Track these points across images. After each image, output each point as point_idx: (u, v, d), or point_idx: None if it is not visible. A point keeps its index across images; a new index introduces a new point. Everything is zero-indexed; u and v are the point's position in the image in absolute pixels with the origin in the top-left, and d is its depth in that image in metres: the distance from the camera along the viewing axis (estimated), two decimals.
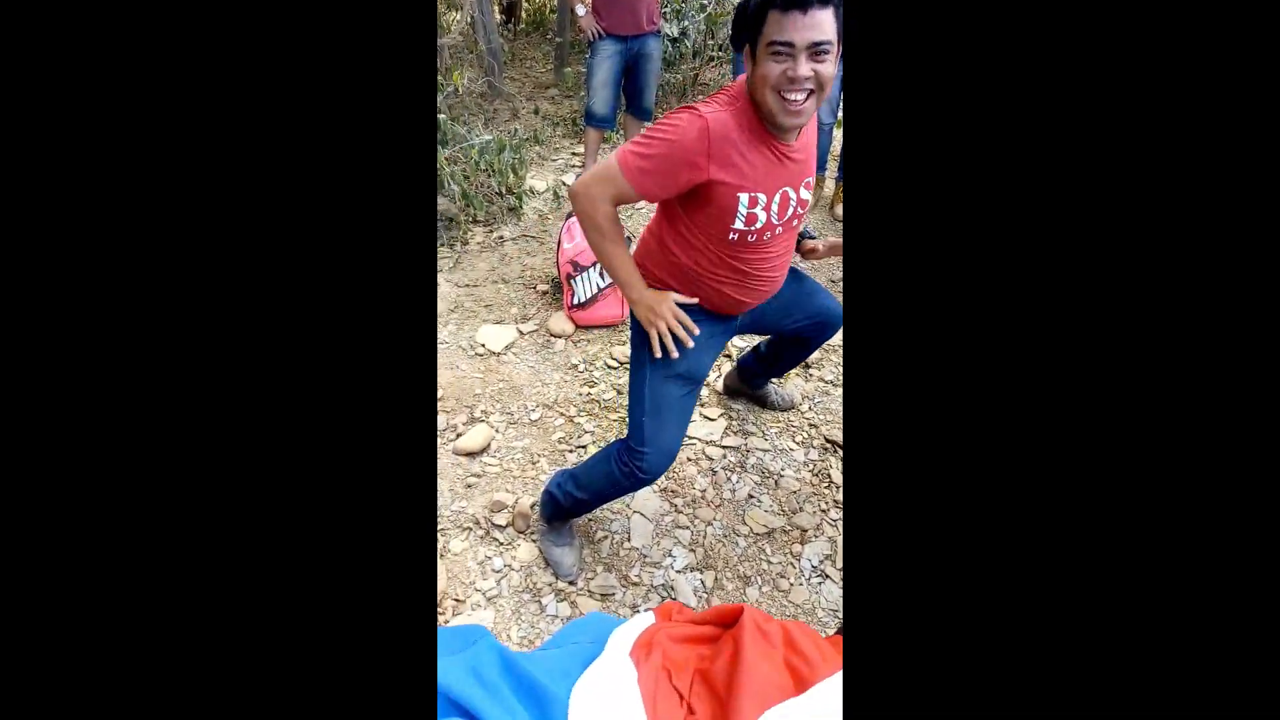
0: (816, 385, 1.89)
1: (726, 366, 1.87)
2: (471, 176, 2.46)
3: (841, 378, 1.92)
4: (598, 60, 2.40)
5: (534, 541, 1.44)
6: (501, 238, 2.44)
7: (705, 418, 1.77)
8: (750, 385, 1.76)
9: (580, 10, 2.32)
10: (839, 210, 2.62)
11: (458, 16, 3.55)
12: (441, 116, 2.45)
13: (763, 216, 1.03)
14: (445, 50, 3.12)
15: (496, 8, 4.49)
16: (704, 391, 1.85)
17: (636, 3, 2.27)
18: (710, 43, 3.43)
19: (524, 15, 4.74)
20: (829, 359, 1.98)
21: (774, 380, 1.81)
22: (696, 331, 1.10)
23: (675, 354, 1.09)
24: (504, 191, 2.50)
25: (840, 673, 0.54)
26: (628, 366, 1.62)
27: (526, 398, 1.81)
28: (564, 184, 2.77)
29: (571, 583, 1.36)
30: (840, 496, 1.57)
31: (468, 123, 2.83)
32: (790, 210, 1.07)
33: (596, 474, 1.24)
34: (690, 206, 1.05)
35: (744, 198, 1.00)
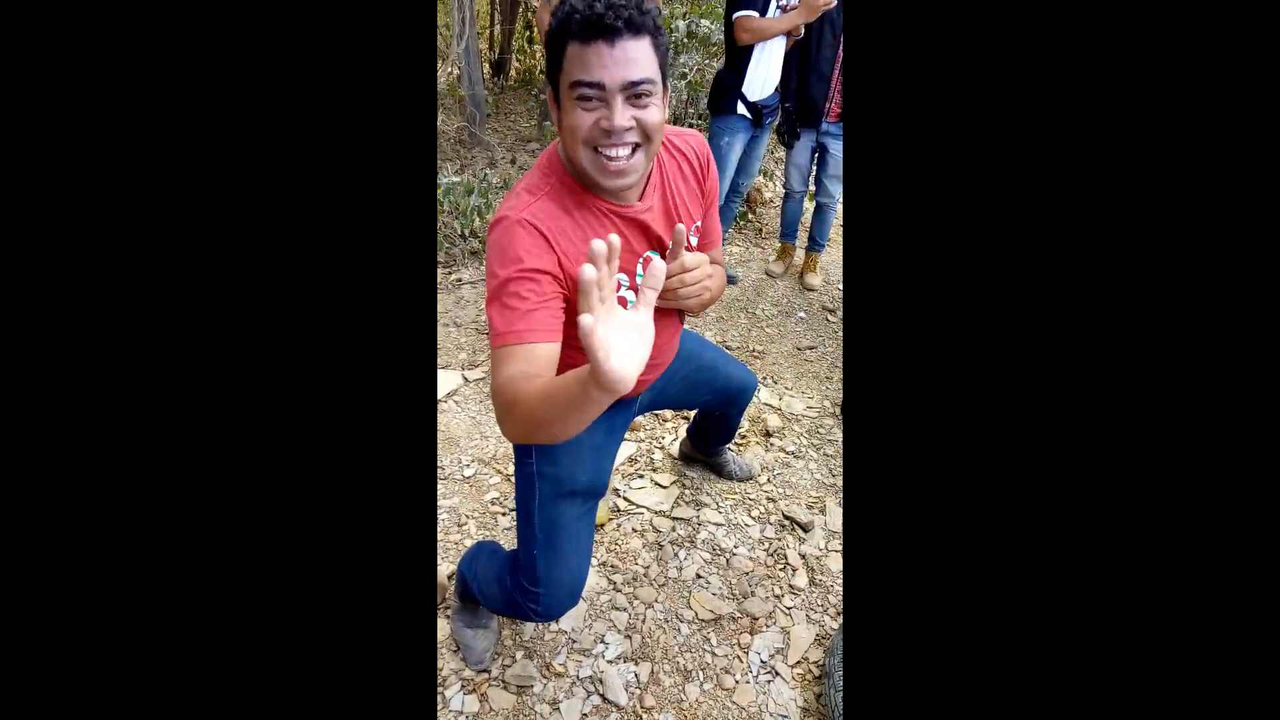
0: (777, 456, 1.78)
1: (683, 428, 1.76)
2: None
3: (802, 449, 1.81)
4: None
5: (447, 617, 1.25)
6: (459, 280, 2.34)
7: (656, 484, 1.63)
8: (704, 452, 1.64)
9: None
10: (809, 279, 2.60)
11: (443, 66, 3.59)
12: None
13: (631, 297, 0.85)
14: None
15: (486, 64, 4.59)
16: (658, 455, 1.72)
17: None
18: (690, 110, 3.51)
19: (513, 72, 4.86)
20: (791, 429, 1.88)
21: (731, 447, 1.69)
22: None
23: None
24: (466, 234, 2.42)
25: None
26: None
27: (462, 450, 1.66)
28: None
29: (483, 671, 1.17)
30: (795, 581, 1.43)
31: (439, 166, 2.79)
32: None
33: (491, 591, 1.03)
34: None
35: None
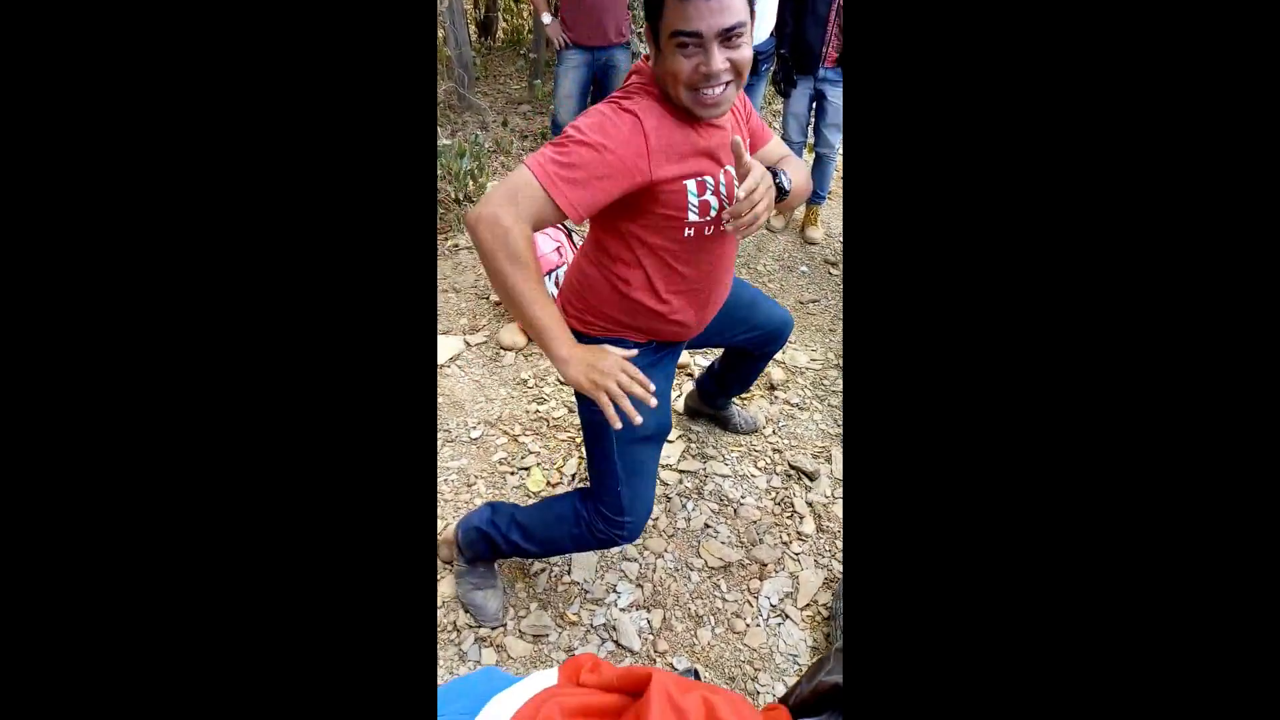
0: (782, 409, 1.78)
1: (687, 386, 1.75)
2: None
3: (806, 401, 1.81)
4: (564, 70, 2.33)
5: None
6: (456, 245, 2.31)
7: None
8: (713, 405, 1.64)
9: (546, 19, 2.26)
10: (810, 233, 2.57)
11: None
12: None
13: (714, 203, 0.90)
14: None
15: (473, 25, 4.45)
16: None
17: (604, 14, 2.21)
18: None
19: (501, 32, 4.72)
20: (795, 381, 1.87)
21: (736, 401, 1.69)
22: (652, 387, 0.81)
23: (638, 419, 0.79)
24: (461, 199, 2.38)
25: None
26: None
27: (468, 414, 1.66)
28: None
29: (495, 628, 1.19)
30: (803, 528, 1.45)
31: None
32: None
33: (556, 534, 1.08)
34: (632, 215, 0.88)
35: (691, 185, 0.87)
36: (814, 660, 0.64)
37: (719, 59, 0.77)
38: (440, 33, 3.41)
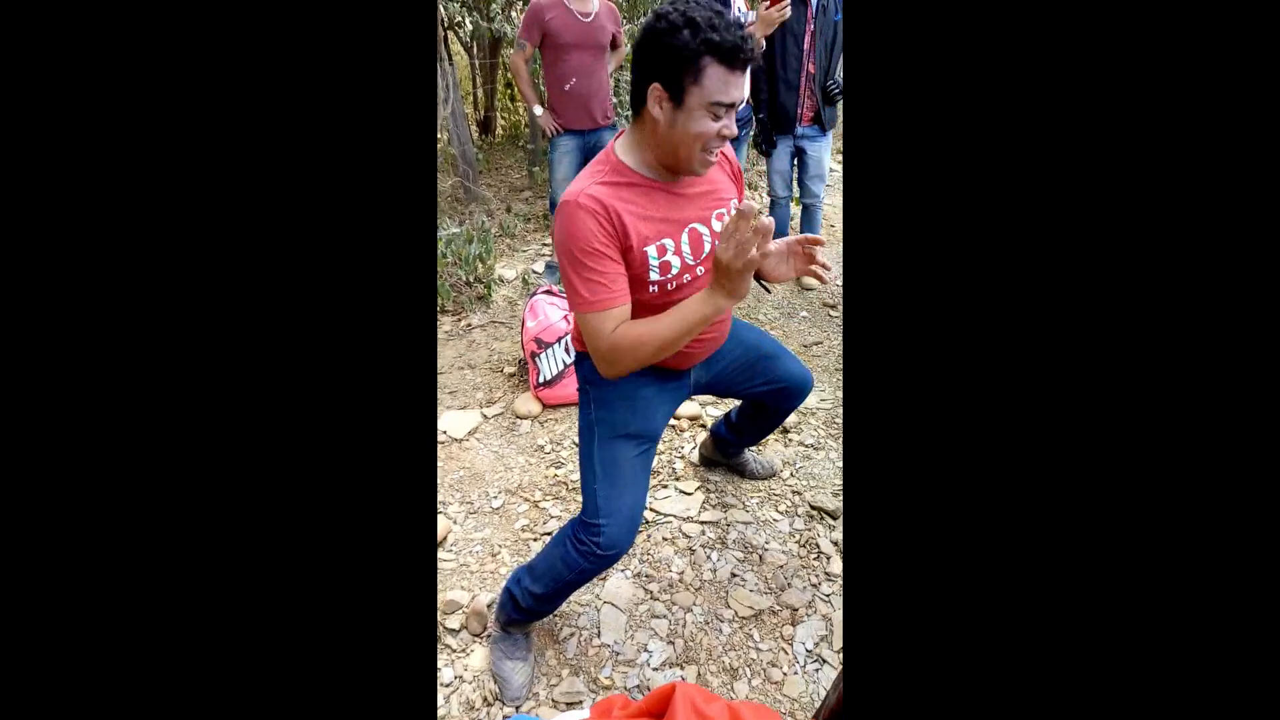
0: (797, 450, 1.79)
1: (701, 436, 1.78)
2: (439, 269, 2.48)
3: (821, 441, 1.82)
4: (558, 155, 2.50)
5: (489, 646, 1.27)
6: (469, 325, 2.42)
7: (681, 492, 1.65)
8: (726, 454, 1.66)
9: (537, 110, 2.45)
10: (806, 279, 2.64)
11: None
12: None
13: (675, 261, 0.98)
14: None
15: (474, 124, 4.81)
16: (679, 464, 1.74)
17: (589, 100, 2.40)
18: None
19: (500, 129, 5.07)
20: (808, 422, 1.89)
21: (751, 447, 1.71)
22: (766, 222, 0.78)
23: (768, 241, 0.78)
24: (472, 281, 2.51)
25: None
26: None
27: (489, 484, 1.70)
28: (534, 271, 2.80)
29: (517, 708, 1.17)
30: (831, 568, 1.42)
31: (439, 221, 2.91)
32: (707, 247, 1.01)
33: (552, 559, 1.10)
34: None
35: (651, 250, 0.95)
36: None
37: (733, 125, 0.90)
38: (444, 134, 3.70)
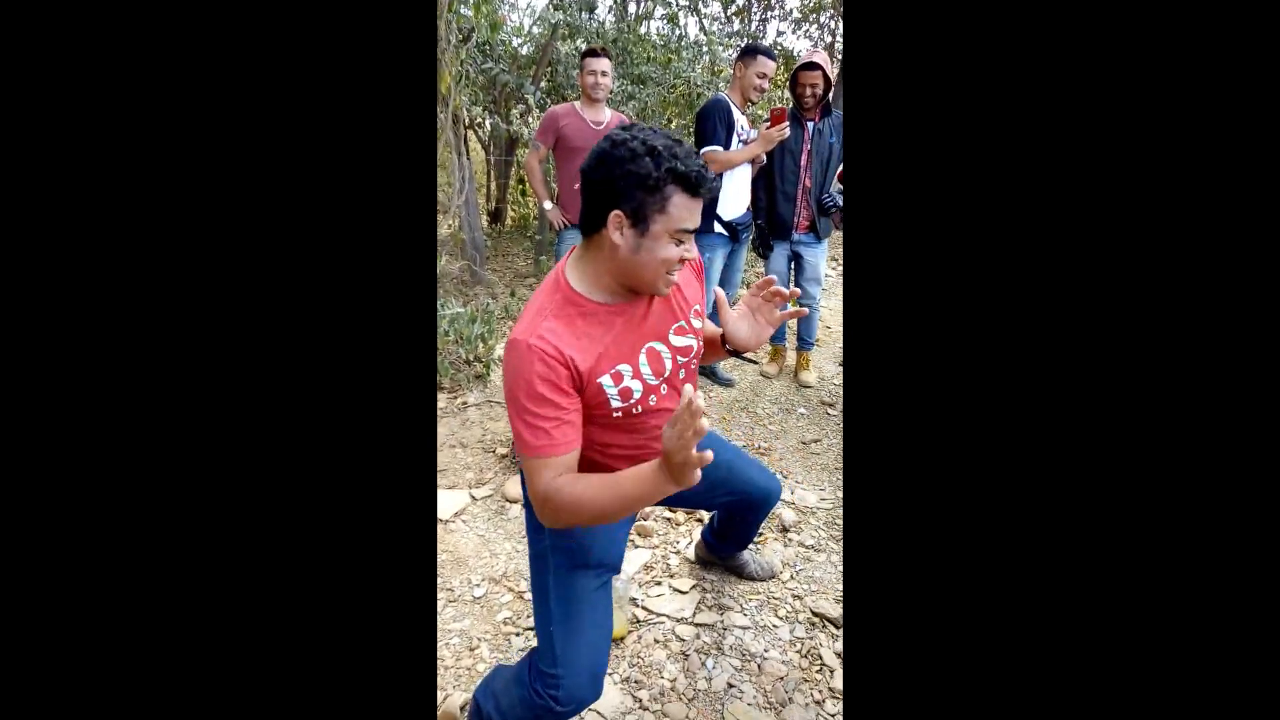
0: (797, 551, 1.72)
1: (698, 531, 1.71)
2: (440, 346, 2.50)
3: (822, 543, 1.75)
4: (564, 247, 2.60)
5: None
6: (465, 403, 2.39)
7: (676, 590, 1.56)
8: (719, 556, 1.59)
9: (547, 205, 2.58)
10: (804, 377, 2.68)
11: (446, 217, 3.94)
12: None
13: (637, 386, 0.93)
14: None
15: (485, 214, 5.05)
16: (674, 560, 1.66)
17: None
18: None
19: (509, 220, 5.32)
20: (808, 522, 1.83)
21: (750, 547, 1.64)
22: (703, 426, 0.73)
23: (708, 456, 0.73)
24: (471, 360, 2.52)
25: None
26: None
27: (472, 570, 1.60)
28: None
29: None
30: (834, 683, 1.32)
31: (443, 299, 2.97)
32: (668, 365, 0.96)
33: (513, 697, 0.99)
34: None
35: (606, 380, 0.90)
36: None
37: (694, 248, 0.90)
38: (456, 221, 3.86)
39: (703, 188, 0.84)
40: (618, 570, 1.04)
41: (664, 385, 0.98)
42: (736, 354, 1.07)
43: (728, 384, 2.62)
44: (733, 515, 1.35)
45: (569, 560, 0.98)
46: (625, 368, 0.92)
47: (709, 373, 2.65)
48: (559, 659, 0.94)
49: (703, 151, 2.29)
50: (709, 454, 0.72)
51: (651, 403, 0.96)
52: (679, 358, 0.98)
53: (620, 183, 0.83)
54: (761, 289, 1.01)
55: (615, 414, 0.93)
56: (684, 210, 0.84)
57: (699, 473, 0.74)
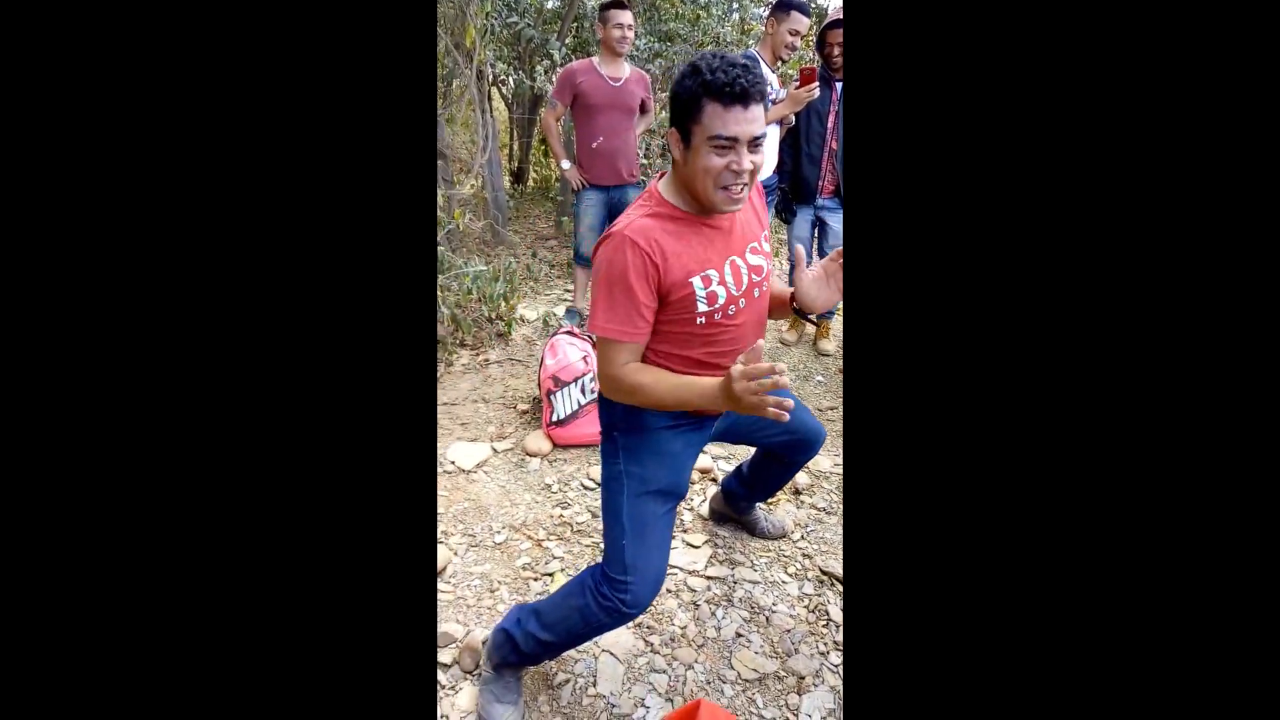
0: (809, 513, 1.76)
1: (712, 489, 1.75)
2: (463, 303, 2.53)
3: (834, 506, 1.78)
4: (583, 207, 2.59)
5: (479, 684, 1.21)
6: (487, 360, 2.44)
7: (688, 544, 1.61)
8: (736, 509, 1.63)
9: (565, 165, 2.56)
10: (823, 345, 2.67)
11: (470, 176, 3.94)
12: (441, 249, 2.59)
13: (721, 292, 1.01)
14: (454, 201, 3.41)
15: (508, 174, 5.02)
16: (688, 517, 1.70)
17: (616, 158, 2.50)
18: None
19: (531, 181, 5.28)
20: (821, 485, 1.86)
21: (762, 505, 1.68)
22: (785, 381, 0.82)
23: (787, 410, 0.83)
24: (494, 318, 2.55)
25: None
26: None
27: (493, 518, 1.66)
28: (554, 314, 2.85)
29: None
30: (840, 638, 1.37)
31: (465, 257, 2.99)
32: (745, 280, 1.04)
33: (568, 610, 1.07)
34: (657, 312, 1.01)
35: (696, 281, 0.99)
36: None
37: (747, 160, 0.92)
38: (479, 180, 3.85)
39: (730, 93, 0.88)
40: (682, 498, 1.13)
41: (743, 299, 1.04)
42: (802, 315, 1.13)
43: None
44: (774, 459, 1.38)
45: (641, 486, 1.07)
46: (713, 273, 1.00)
47: None
48: (629, 567, 1.03)
49: None
50: (789, 404, 0.82)
51: (731, 313, 1.03)
52: (754, 276, 1.05)
53: (674, 103, 0.94)
54: (837, 257, 1.08)
55: (700, 319, 1.00)
56: (716, 119, 0.90)
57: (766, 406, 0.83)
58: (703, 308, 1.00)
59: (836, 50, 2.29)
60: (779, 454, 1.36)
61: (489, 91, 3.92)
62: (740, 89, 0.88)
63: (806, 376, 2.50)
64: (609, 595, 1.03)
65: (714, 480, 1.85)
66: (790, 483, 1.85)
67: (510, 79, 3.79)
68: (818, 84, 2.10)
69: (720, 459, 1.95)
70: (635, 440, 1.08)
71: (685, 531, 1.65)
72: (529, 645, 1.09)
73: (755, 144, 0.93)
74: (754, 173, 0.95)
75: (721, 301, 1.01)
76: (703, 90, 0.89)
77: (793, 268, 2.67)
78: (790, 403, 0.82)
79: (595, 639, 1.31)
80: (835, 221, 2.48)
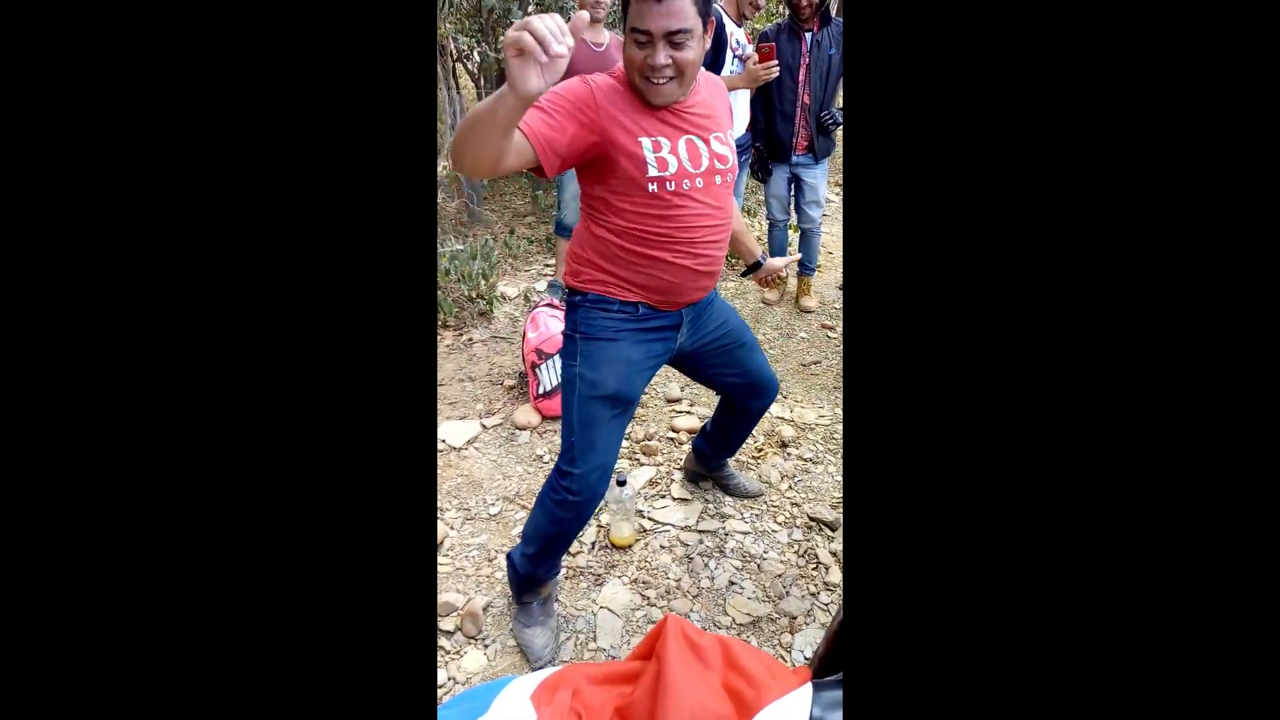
0: (796, 464, 1.79)
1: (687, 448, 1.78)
2: (442, 284, 2.52)
3: (820, 456, 1.82)
4: (566, 177, 2.57)
5: (483, 648, 1.25)
6: (471, 339, 2.44)
7: (679, 500, 1.64)
8: (708, 468, 1.65)
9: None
10: (805, 302, 2.69)
11: (439, 157, 3.87)
12: None
13: (673, 161, 1.02)
14: None
15: None
16: (678, 476, 1.74)
17: None
18: None
19: None
20: (806, 437, 1.90)
21: (733, 463, 1.71)
22: (566, 43, 0.72)
23: (553, 49, 0.70)
24: (474, 297, 2.55)
25: (793, 694, 0.42)
26: None
27: (486, 492, 1.69)
28: (535, 289, 2.84)
29: (541, 668, 1.15)
30: (829, 578, 1.42)
31: (441, 238, 2.96)
32: (705, 161, 1.05)
33: (535, 517, 1.18)
34: (603, 178, 1.03)
35: (646, 142, 1.00)
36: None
37: (662, 55, 0.94)
38: (450, 159, 3.80)
39: None
40: (634, 404, 1.16)
41: (700, 179, 1.06)
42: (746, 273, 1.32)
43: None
44: (730, 410, 1.42)
45: (590, 390, 1.11)
46: (665, 140, 1.02)
47: None
48: (575, 459, 1.10)
49: None
50: (526, 37, 0.69)
51: (685, 186, 1.05)
52: (717, 163, 1.07)
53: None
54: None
55: (650, 184, 1.02)
56: (635, 13, 0.94)
57: (531, 77, 0.72)
58: (653, 171, 1.01)
59: (804, 1, 2.25)
60: (732, 399, 1.39)
61: (453, 68, 3.83)
62: None
63: (790, 334, 2.52)
64: (558, 488, 1.11)
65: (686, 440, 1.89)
66: (776, 436, 1.89)
67: (474, 53, 3.70)
68: (776, 63, 2.06)
69: (707, 419, 1.98)
70: (593, 346, 1.12)
71: (675, 485, 1.69)
72: (523, 565, 1.20)
73: (673, 39, 0.94)
74: (679, 68, 0.96)
75: (673, 170, 1.02)
76: None
77: (771, 227, 2.69)
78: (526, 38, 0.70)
79: (592, 596, 1.35)
80: (811, 178, 2.48)
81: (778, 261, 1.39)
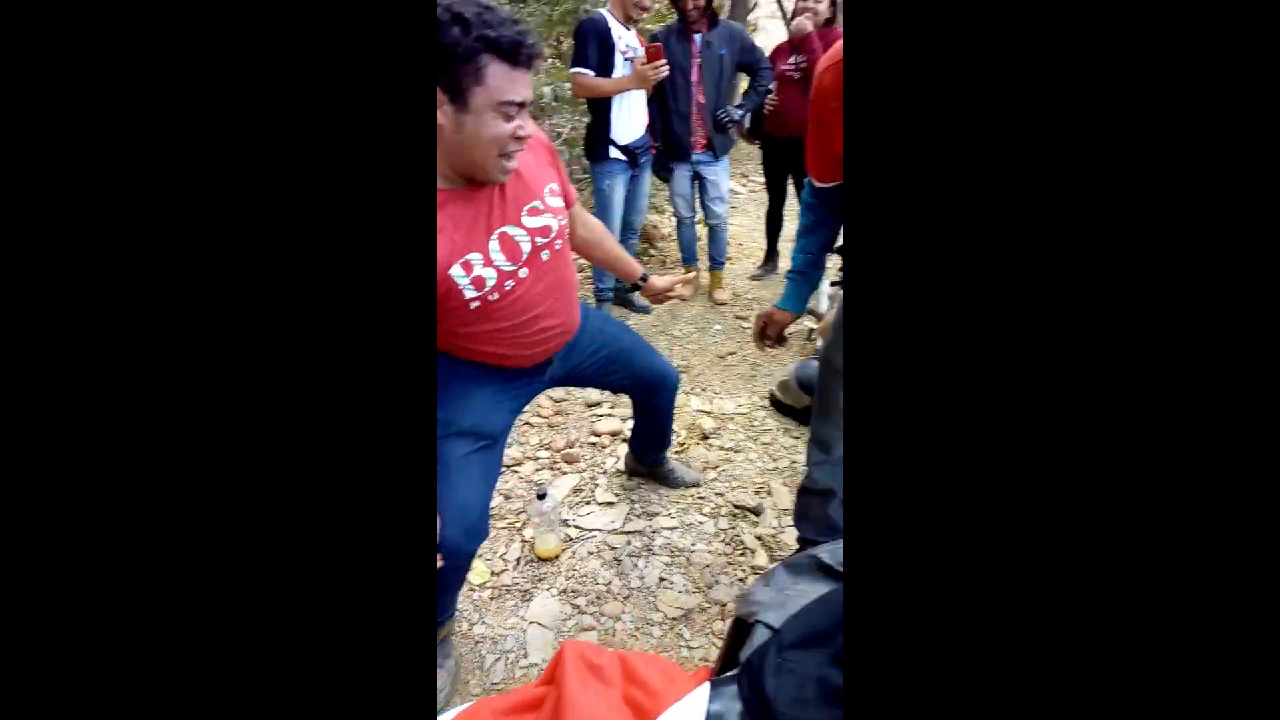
0: (718, 454, 1.83)
1: (623, 450, 1.78)
2: None
3: (740, 445, 1.87)
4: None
5: None
6: None
7: (603, 504, 1.63)
8: (645, 464, 1.66)
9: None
10: (718, 295, 2.75)
11: None
12: None
13: (490, 274, 0.93)
14: None
15: None
16: (601, 480, 1.72)
17: None
18: (575, 167, 3.72)
19: None
20: (726, 427, 1.94)
21: (673, 457, 1.72)
22: None
23: None
24: None
25: (690, 695, 0.42)
26: (547, 467, 1.49)
27: None
28: None
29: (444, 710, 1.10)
30: (756, 562, 1.45)
31: None
32: (524, 247, 0.96)
33: None
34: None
35: (457, 270, 0.90)
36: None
37: (529, 124, 0.87)
38: None
39: (521, 55, 0.80)
40: (495, 438, 1.09)
41: (523, 269, 0.97)
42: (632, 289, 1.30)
43: (644, 311, 2.66)
44: (639, 410, 1.42)
45: (443, 429, 1.03)
46: (476, 256, 0.92)
47: (625, 302, 2.68)
48: (440, 505, 1.00)
49: (570, 73, 2.21)
50: None
51: (508, 288, 0.97)
52: (537, 239, 0.98)
53: (443, 60, 0.78)
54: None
55: (472, 304, 0.94)
56: (504, 81, 0.80)
57: None
58: (470, 293, 0.93)
59: (691, 2, 2.30)
60: (635, 399, 1.40)
61: None
62: (529, 51, 0.81)
63: (705, 328, 2.57)
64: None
65: (625, 441, 1.88)
66: (697, 429, 1.92)
67: None
68: (664, 64, 2.10)
69: (629, 419, 1.98)
70: (440, 383, 1.04)
71: (598, 495, 1.67)
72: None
73: (524, 107, 0.87)
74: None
75: (491, 284, 0.94)
76: (484, 46, 0.78)
77: (679, 225, 2.73)
78: None
79: (520, 614, 1.31)
80: (712, 174, 2.53)
81: (661, 282, 1.30)
